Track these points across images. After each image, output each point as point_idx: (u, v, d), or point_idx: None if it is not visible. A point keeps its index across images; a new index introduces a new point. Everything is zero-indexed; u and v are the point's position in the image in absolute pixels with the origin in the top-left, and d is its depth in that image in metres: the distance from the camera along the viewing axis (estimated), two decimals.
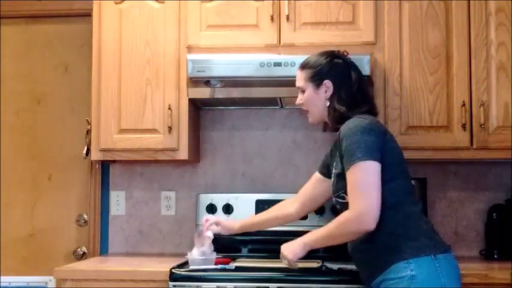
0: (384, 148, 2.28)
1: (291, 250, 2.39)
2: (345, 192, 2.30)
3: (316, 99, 2.47)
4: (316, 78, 2.46)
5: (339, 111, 2.41)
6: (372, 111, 2.47)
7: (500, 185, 3.17)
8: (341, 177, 2.34)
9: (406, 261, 2.20)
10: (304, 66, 2.52)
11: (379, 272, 2.26)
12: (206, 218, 2.78)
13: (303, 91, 2.50)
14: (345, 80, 2.44)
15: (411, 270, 2.19)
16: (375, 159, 2.24)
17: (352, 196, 2.25)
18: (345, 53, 2.52)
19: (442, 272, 2.21)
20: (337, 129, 2.39)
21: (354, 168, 2.24)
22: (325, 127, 2.56)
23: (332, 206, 2.82)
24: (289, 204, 2.74)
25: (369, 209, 2.21)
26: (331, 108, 2.44)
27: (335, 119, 2.43)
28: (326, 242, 2.37)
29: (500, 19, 2.91)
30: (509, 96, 2.88)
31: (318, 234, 2.36)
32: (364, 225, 2.22)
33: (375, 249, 2.28)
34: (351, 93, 2.42)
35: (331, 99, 2.44)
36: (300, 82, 2.52)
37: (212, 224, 2.75)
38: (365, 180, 2.23)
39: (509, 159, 2.92)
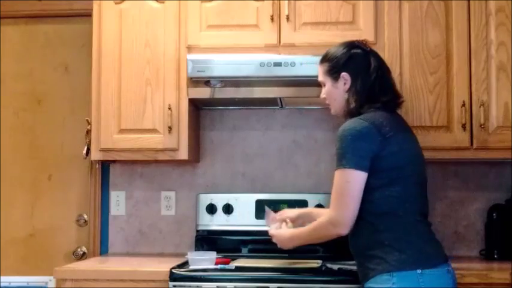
0: (379, 154, 2.23)
1: (286, 246, 2.54)
2: None
3: (335, 93, 2.42)
4: (334, 72, 2.41)
5: (350, 106, 2.37)
6: (393, 101, 2.40)
7: (500, 185, 3.17)
8: None
9: (389, 273, 2.17)
10: (322, 59, 2.47)
11: (365, 279, 2.26)
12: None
13: (325, 85, 2.46)
14: (362, 70, 2.37)
15: (393, 283, 2.16)
16: (359, 168, 2.21)
17: (332, 201, 2.28)
18: (364, 42, 2.46)
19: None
20: None
21: (337, 174, 2.25)
22: None
23: None
24: None
25: (342, 217, 2.24)
26: (348, 102, 2.39)
27: (346, 115, 2.39)
28: (307, 243, 2.50)
29: (500, 19, 2.91)
30: (509, 96, 2.88)
31: (302, 238, 2.47)
32: (336, 231, 2.27)
33: (364, 255, 2.28)
34: (368, 84, 2.35)
35: (349, 92, 2.38)
36: (320, 76, 2.48)
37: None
38: (344, 188, 2.23)
39: (509, 159, 2.92)
